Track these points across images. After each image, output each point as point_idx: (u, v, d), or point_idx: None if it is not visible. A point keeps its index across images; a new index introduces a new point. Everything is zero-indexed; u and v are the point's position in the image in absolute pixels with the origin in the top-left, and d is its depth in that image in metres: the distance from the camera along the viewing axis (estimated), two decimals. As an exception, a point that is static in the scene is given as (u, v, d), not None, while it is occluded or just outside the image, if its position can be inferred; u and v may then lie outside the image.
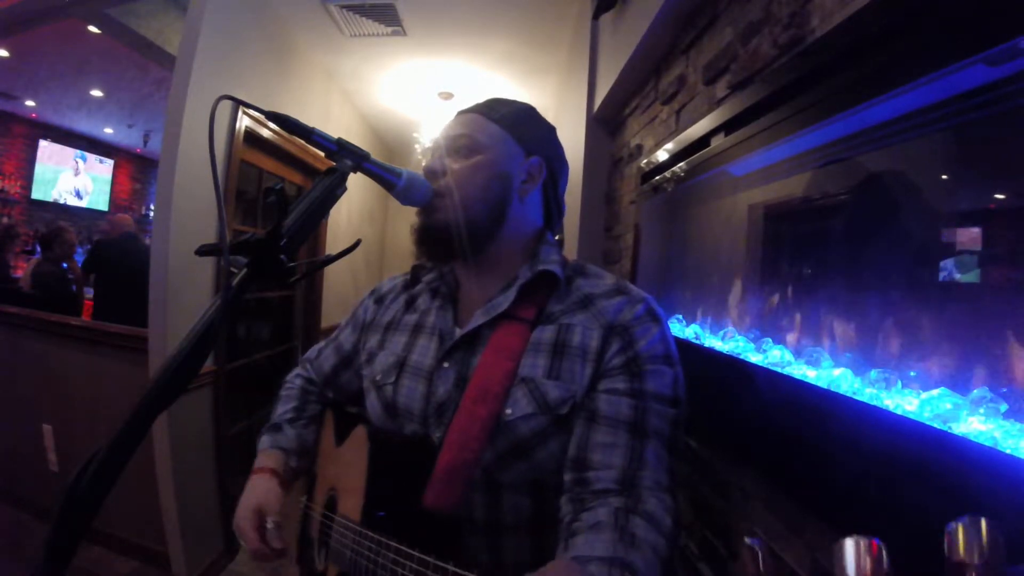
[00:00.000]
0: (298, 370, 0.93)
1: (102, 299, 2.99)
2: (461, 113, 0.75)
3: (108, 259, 2.98)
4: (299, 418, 0.86)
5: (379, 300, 0.85)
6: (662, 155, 1.29)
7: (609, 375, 0.62)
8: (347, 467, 0.73)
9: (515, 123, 0.72)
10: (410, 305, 0.80)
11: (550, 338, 0.66)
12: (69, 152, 6.41)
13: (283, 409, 0.87)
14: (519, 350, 0.65)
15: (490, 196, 0.70)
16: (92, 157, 6.73)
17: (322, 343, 0.93)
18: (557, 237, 0.83)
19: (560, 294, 0.69)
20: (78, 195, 6.62)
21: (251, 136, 2.23)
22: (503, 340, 0.66)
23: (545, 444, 0.62)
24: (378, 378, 0.74)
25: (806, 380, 0.66)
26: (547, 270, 0.69)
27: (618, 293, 0.68)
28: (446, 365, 0.69)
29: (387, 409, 0.72)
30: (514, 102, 0.76)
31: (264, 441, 0.82)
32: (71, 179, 6.51)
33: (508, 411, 0.62)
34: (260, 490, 0.75)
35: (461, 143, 0.70)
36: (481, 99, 0.76)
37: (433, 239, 0.70)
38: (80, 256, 3.62)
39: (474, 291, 0.73)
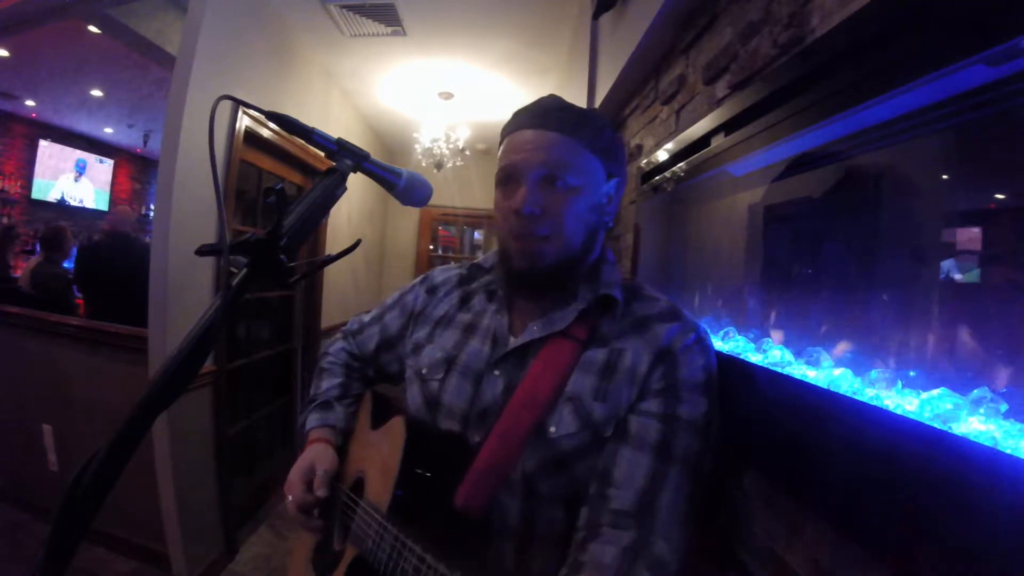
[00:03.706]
0: (340, 343, 0.92)
1: (92, 305, 2.87)
2: (540, 131, 0.66)
3: (95, 263, 2.85)
4: (345, 396, 0.87)
5: (431, 290, 0.84)
6: (662, 155, 1.29)
7: (647, 397, 0.63)
8: (378, 453, 0.73)
9: (600, 145, 0.68)
10: (464, 303, 0.79)
11: (601, 360, 0.65)
12: (69, 154, 6.40)
13: (329, 384, 0.87)
14: (568, 367, 0.65)
15: (588, 232, 0.68)
16: (92, 159, 6.72)
17: (364, 317, 0.91)
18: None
19: (615, 315, 0.68)
20: (80, 201, 6.62)
21: (251, 136, 2.22)
22: (554, 356, 0.66)
23: (585, 460, 0.63)
24: (424, 371, 0.74)
25: (806, 380, 0.66)
26: (609, 295, 0.68)
27: (673, 318, 0.67)
28: (496, 373, 0.69)
29: (428, 403, 0.72)
30: (590, 115, 0.70)
31: (314, 419, 0.83)
32: (71, 185, 6.50)
33: (552, 428, 0.62)
34: (316, 451, 0.77)
35: (557, 173, 0.65)
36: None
37: (541, 283, 0.68)
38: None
39: (530, 303, 0.72)
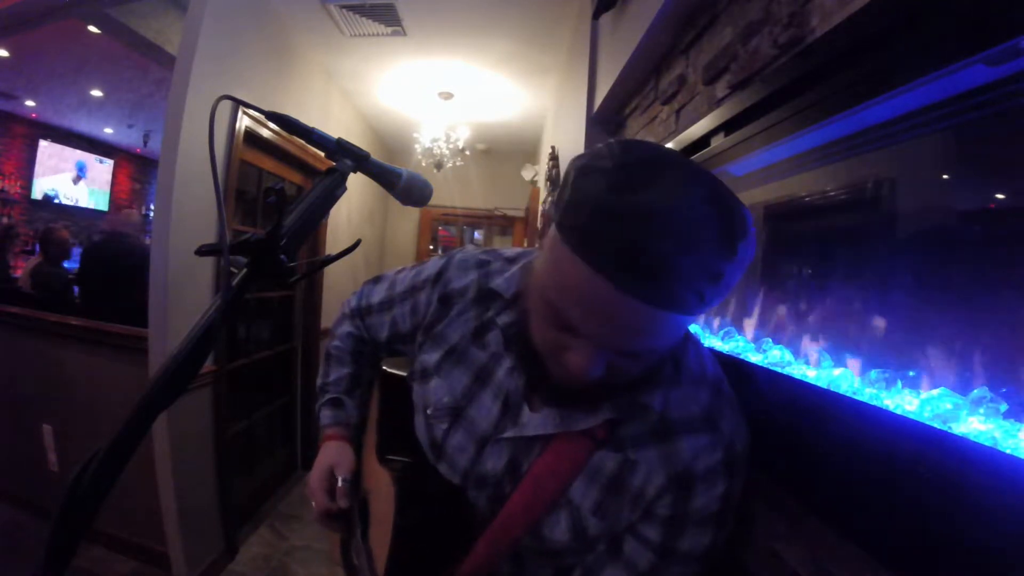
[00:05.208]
0: (347, 327, 0.87)
1: (88, 301, 2.85)
2: (642, 304, 0.43)
3: (97, 262, 2.84)
4: (356, 386, 0.86)
5: (445, 300, 0.72)
6: (662, 155, 1.29)
7: (650, 520, 0.58)
8: (379, 493, 0.73)
9: (716, 302, 0.47)
10: (479, 335, 0.68)
11: (610, 470, 0.58)
12: (69, 155, 6.40)
13: (337, 375, 0.85)
14: (576, 470, 0.59)
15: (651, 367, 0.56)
16: (92, 159, 6.72)
17: (372, 297, 0.84)
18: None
19: (645, 418, 0.58)
20: (75, 201, 6.63)
21: (251, 136, 2.23)
22: (564, 453, 0.60)
23: (575, 555, 0.63)
24: (429, 412, 0.70)
25: (806, 380, 0.66)
26: (647, 406, 0.56)
27: (705, 427, 0.57)
28: (502, 444, 0.64)
29: (433, 444, 0.70)
30: (735, 264, 0.44)
31: (327, 415, 0.83)
32: (70, 187, 6.50)
33: (545, 531, 0.61)
34: (333, 452, 0.78)
35: (633, 349, 0.49)
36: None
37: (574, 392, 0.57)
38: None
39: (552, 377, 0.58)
